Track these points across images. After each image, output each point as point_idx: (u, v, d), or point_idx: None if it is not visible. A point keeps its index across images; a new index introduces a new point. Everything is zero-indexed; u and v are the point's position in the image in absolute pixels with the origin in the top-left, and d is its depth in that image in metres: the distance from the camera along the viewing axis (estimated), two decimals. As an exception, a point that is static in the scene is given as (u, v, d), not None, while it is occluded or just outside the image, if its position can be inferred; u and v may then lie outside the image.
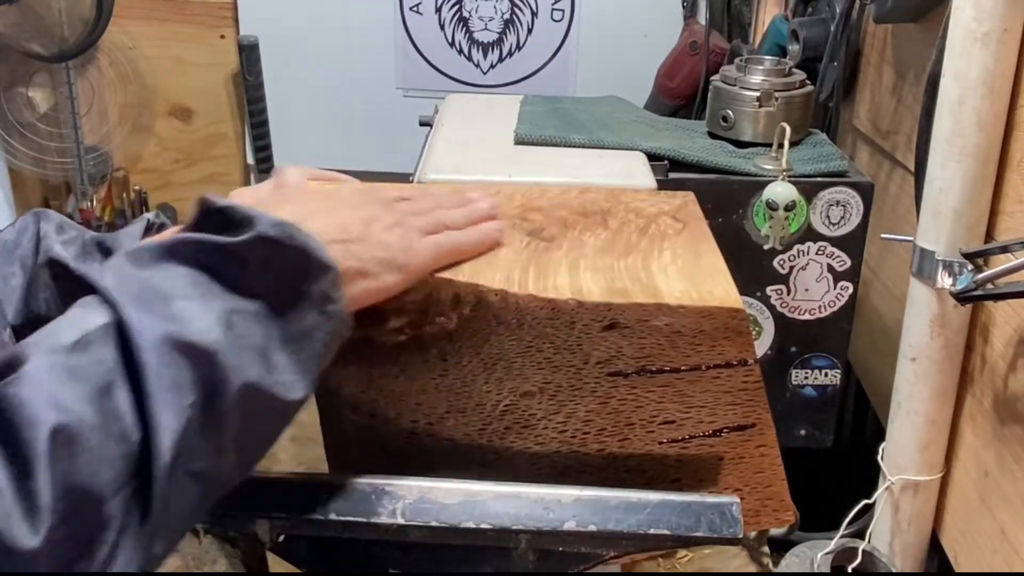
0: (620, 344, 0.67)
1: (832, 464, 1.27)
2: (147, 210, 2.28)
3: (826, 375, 1.11)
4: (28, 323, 0.77)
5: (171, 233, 0.74)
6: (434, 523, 0.66)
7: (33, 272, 0.77)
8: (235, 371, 0.51)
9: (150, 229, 0.80)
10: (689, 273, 0.69)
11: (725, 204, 1.04)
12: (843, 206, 1.05)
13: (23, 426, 0.45)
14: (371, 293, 0.63)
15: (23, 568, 0.43)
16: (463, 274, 0.68)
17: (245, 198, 0.65)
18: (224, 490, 0.54)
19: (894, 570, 0.96)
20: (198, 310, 0.51)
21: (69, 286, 0.76)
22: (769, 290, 1.07)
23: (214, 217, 0.56)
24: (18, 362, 0.48)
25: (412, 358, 0.71)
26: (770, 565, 1.09)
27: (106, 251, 0.77)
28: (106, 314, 0.50)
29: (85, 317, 0.50)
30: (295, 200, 0.66)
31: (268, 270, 0.54)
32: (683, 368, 0.68)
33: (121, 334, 0.49)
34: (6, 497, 0.43)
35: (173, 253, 0.54)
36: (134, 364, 0.48)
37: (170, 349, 0.49)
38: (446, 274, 0.68)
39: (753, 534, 1.07)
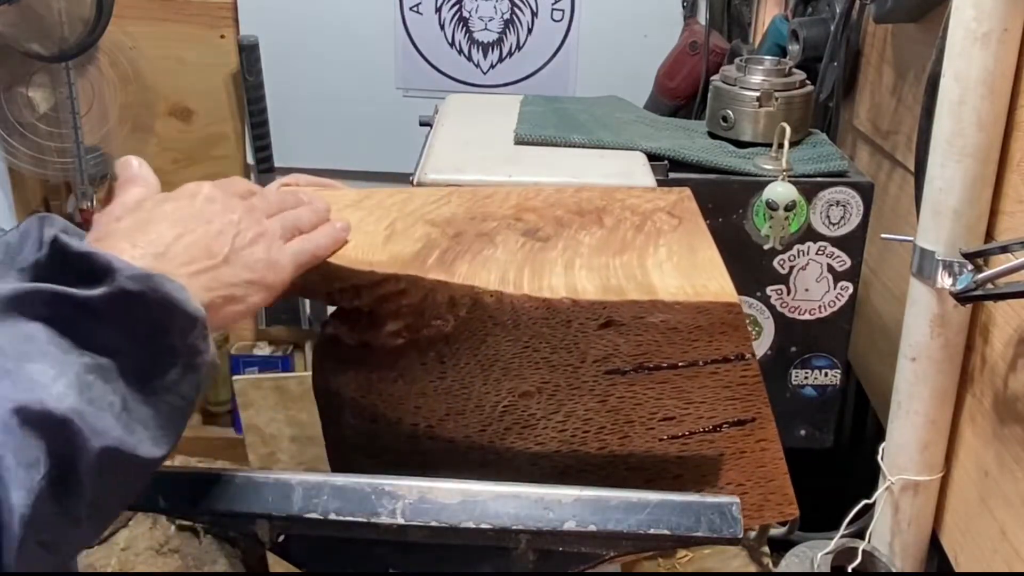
0: (617, 342, 0.67)
1: (832, 464, 1.27)
2: (147, 210, 2.27)
3: (826, 375, 1.11)
4: None
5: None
6: (434, 523, 0.66)
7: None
8: (92, 436, 0.48)
9: None
10: (684, 269, 0.69)
11: (725, 204, 1.04)
12: (843, 206, 1.05)
13: None
14: (239, 316, 0.62)
15: None
16: (458, 276, 0.68)
17: (104, 219, 0.62)
18: (77, 553, 0.52)
19: (894, 570, 0.96)
20: (52, 374, 0.48)
21: None
22: (769, 290, 1.07)
23: (72, 261, 0.52)
24: None
25: (410, 361, 0.71)
26: (770, 565, 1.09)
27: None
28: None
29: None
30: (160, 221, 0.61)
31: (127, 325, 0.52)
32: (681, 364, 0.68)
33: None
34: None
35: (24, 306, 0.50)
36: None
37: (21, 423, 0.46)
38: (441, 276, 0.68)
39: (753, 534, 1.07)
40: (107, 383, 0.50)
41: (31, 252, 0.76)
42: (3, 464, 0.45)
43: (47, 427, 0.47)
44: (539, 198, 0.81)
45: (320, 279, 0.72)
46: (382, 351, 0.71)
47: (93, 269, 0.52)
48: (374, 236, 0.73)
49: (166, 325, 0.53)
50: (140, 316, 0.52)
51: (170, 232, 0.60)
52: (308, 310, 2.23)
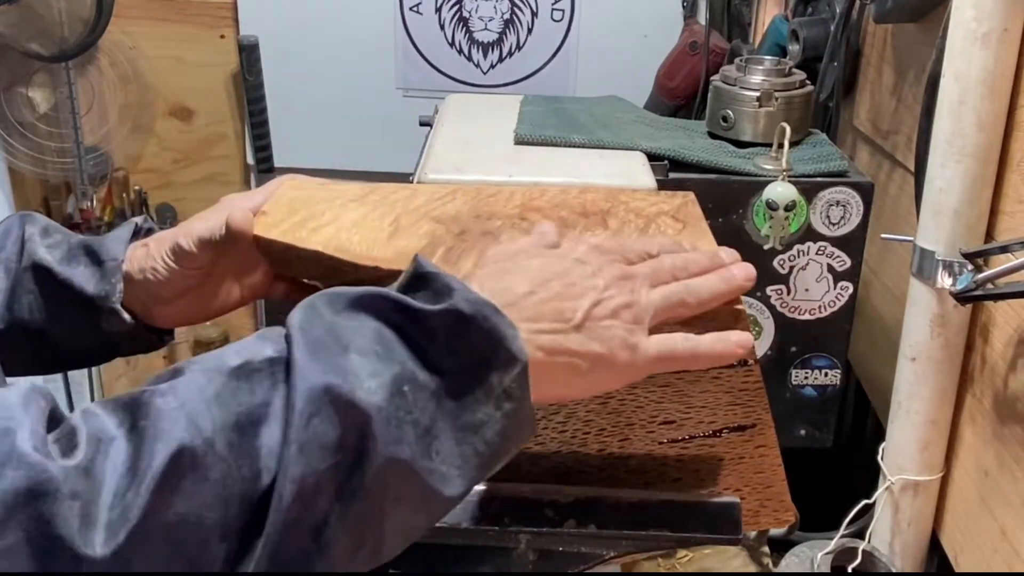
0: None
1: (832, 464, 1.27)
2: (147, 210, 2.28)
3: (826, 375, 1.11)
4: (10, 328, 0.76)
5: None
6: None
7: (16, 276, 0.76)
8: (388, 443, 0.47)
9: (137, 234, 0.79)
10: None
11: (725, 204, 1.04)
12: (843, 206, 1.05)
13: (153, 437, 0.43)
14: (579, 389, 0.59)
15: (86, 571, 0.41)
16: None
17: (485, 268, 0.60)
18: (341, 571, 0.49)
19: (894, 570, 0.96)
20: (370, 368, 0.48)
21: (53, 290, 0.76)
22: (769, 290, 1.07)
23: (419, 281, 0.53)
24: (180, 372, 0.47)
25: None
26: (770, 565, 1.09)
27: (92, 254, 0.76)
28: (279, 349, 0.48)
29: (258, 346, 0.49)
30: (515, 273, 0.58)
31: (454, 347, 0.51)
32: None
33: (287, 372, 0.47)
34: (103, 499, 0.42)
35: (368, 305, 0.51)
36: (288, 406, 0.46)
37: (327, 401, 0.46)
38: None
39: (753, 534, 1.07)
40: (419, 399, 0.49)
41: (12, 249, 0.76)
42: (298, 434, 0.45)
43: (348, 416, 0.46)
44: (543, 198, 0.81)
45: (323, 272, 0.72)
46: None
47: (436, 289, 0.52)
48: (378, 231, 0.73)
49: (488, 358, 0.51)
50: (467, 341, 0.51)
51: (523, 287, 0.57)
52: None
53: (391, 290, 0.52)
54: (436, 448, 0.50)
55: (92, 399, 2.36)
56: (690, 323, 0.65)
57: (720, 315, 0.65)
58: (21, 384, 0.46)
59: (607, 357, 0.57)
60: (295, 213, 0.74)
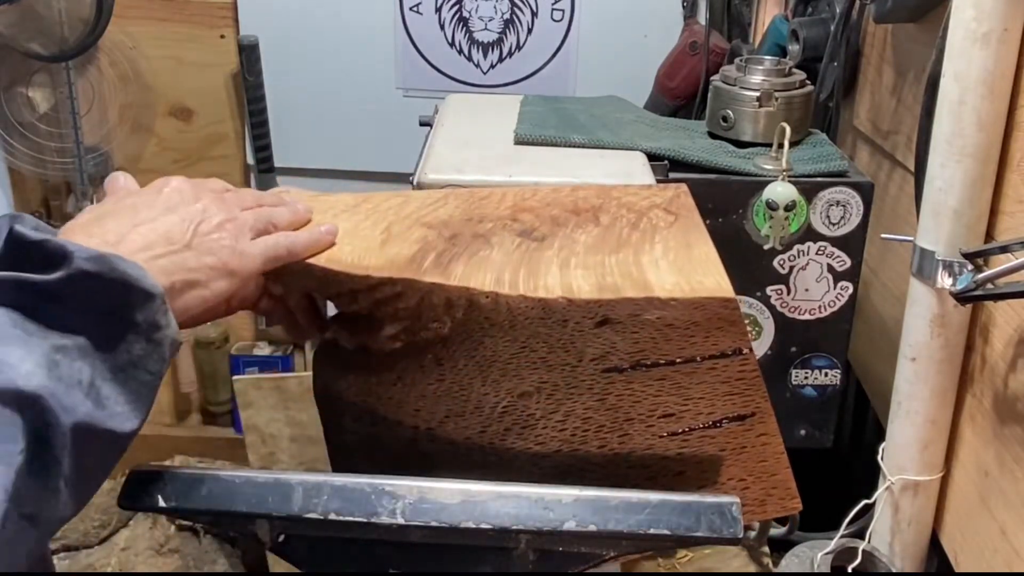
0: (613, 340, 0.67)
1: (832, 464, 1.27)
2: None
3: (826, 375, 1.11)
4: None
5: None
6: (434, 523, 0.66)
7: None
8: (64, 412, 0.50)
9: None
10: (680, 265, 0.69)
11: (725, 204, 1.04)
12: (843, 206, 1.05)
13: None
14: (204, 301, 0.62)
15: None
16: (454, 278, 0.68)
17: (80, 219, 0.63)
18: (60, 526, 0.53)
19: (894, 570, 0.96)
20: (20, 354, 0.50)
21: None
22: (769, 290, 1.07)
23: (29, 250, 0.54)
24: None
25: (408, 364, 0.71)
26: (770, 565, 1.09)
27: None
28: None
29: None
30: (119, 214, 0.63)
31: (88, 305, 0.53)
32: (678, 360, 0.68)
33: None
34: None
35: None
36: None
37: None
38: (437, 279, 0.68)
39: (753, 534, 1.07)
40: (73, 361, 0.52)
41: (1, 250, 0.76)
42: None
43: (19, 404, 0.49)
44: (535, 198, 0.81)
45: (317, 284, 0.72)
46: (381, 354, 0.71)
47: (50, 256, 0.53)
48: (370, 240, 0.73)
49: (125, 302, 0.54)
50: (99, 295, 0.53)
51: (127, 222, 0.61)
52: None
53: (6, 271, 0.53)
54: (105, 395, 0.53)
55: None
56: (679, 329, 0.65)
57: (708, 305, 0.65)
58: None
59: (221, 266, 0.63)
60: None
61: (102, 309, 0.54)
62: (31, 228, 0.55)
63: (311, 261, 0.70)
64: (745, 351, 0.68)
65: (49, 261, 0.53)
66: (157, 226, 0.62)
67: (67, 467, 0.51)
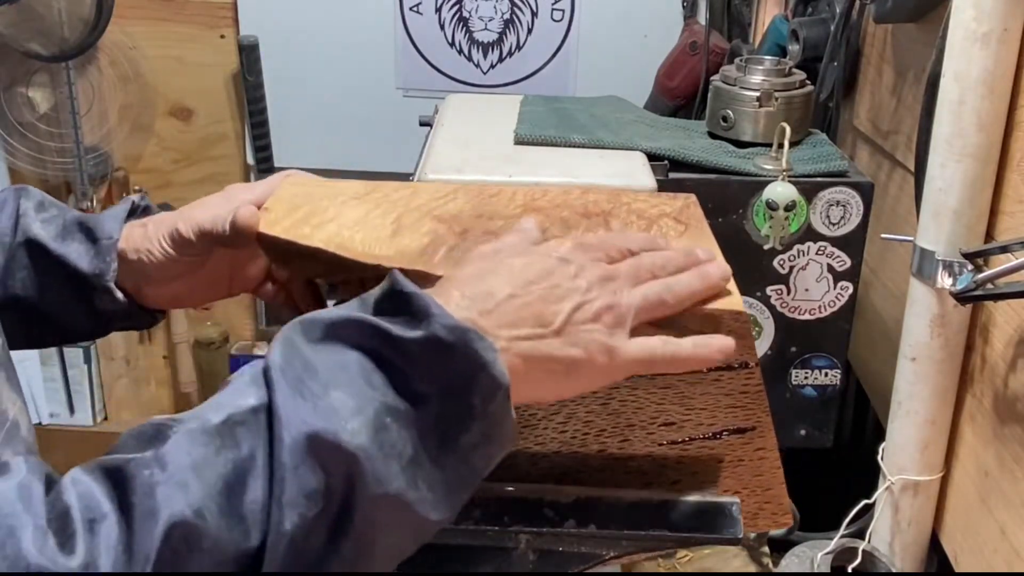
0: None
1: (832, 464, 1.27)
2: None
3: (826, 375, 1.11)
4: (4, 303, 0.76)
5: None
6: (434, 523, 0.66)
7: (11, 252, 0.76)
8: (376, 481, 0.48)
9: (134, 212, 0.79)
10: None
11: (725, 204, 1.04)
12: (843, 206, 1.05)
13: (145, 515, 0.44)
14: (554, 393, 0.59)
15: None
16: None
17: (466, 270, 0.60)
18: None
19: (894, 570, 0.96)
20: (353, 407, 0.48)
21: (47, 266, 0.75)
22: (769, 290, 1.07)
23: (395, 299, 0.52)
24: (163, 437, 0.47)
25: None
26: (770, 565, 1.09)
27: (87, 231, 0.76)
28: (259, 396, 0.48)
29: (238, 395, 0.49)
30: (501, 275, 0.58)
31: (435, 376, 0.51)
32: (684, 370, 0.68)
33: (269, 421, 0.47)
34: None
35: (344, 334, 0.51)
36: (273, 458, 0.46)
37: (310, 450, 0.46)
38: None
39: (753, 534, 1.07)
40: (402, 430, 0.49)
41: (7, 224, 0.76)
42: (285, 487, 0.45)
43: (334, 461, 0.47)
44: (545, 198, 0.81)
45: (324, 270, 0.72)
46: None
47: (414, 312, 0.51)
48: (380, 230, 0.73)
49: (470, 384, 0.51)
50: (448, 369, 0.51)
51: (504, 290, 0.56)
52: (308, 310, 2.23)
53: (366, 313, 0.52)
54: (421, 476, 0.50)
55: (92, 401, 2.36)
56: (683, 330, 0.65)
57: (721, 319, 0.65)
58: (15, 470, 0.46)
59: (586, 362, 0.57)
60: (297, 210, 0.74)
61: (446, 385, 0.51)
62: (404, 279, 0.52)
63: (322, 246, 0.70)
64: (751, 364, 0.68)
65: (412, 317, 0.51)
66: (532, 303, 0.56)
67: (364, 537, 0.48)
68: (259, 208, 0.74)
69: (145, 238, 0.76)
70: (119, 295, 0.76)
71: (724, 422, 0.70)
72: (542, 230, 0.68)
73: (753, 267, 1.06)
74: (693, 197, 0.83)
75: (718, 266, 0.65)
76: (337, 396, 0.48)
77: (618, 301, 0.59)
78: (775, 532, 1.09)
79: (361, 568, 0.50)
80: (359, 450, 0.47)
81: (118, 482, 0.46)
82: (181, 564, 0.44)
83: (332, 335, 0.51)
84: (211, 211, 0.74)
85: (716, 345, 0.62)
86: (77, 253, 0.75)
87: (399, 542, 0.51)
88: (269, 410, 0.47)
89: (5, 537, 0.43)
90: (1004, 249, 0.80)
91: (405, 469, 0.49)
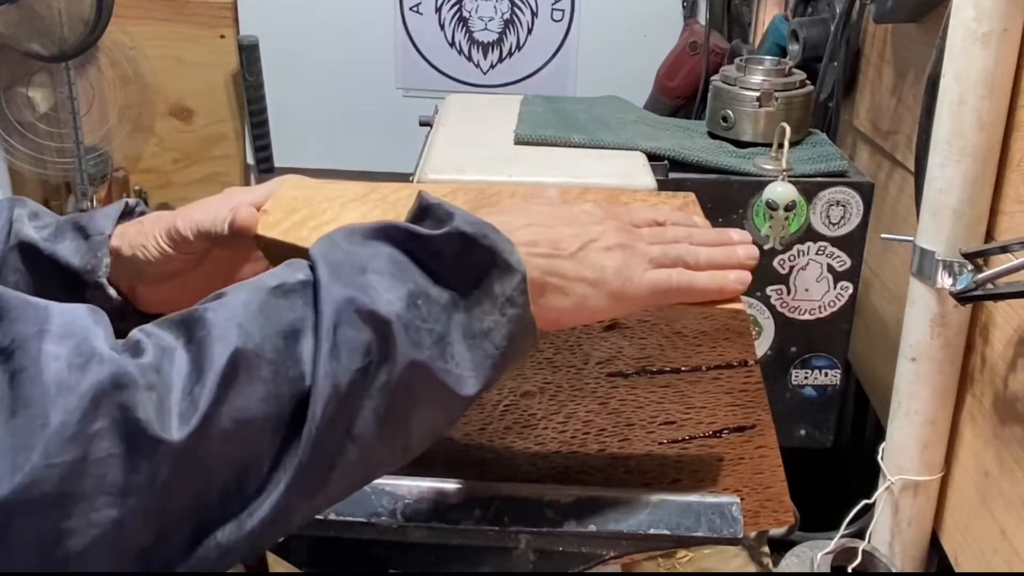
0: (621, 344, 0.67)
1: (832, 464, 1.27)
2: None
3: (826, 375, 1.11)
4: None
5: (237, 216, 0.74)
6: (434, 523, 0.66)
7: (3, 256, 0.76)
8: (408, 347, 0.52)
9: (128, 214, 0.79)
10: None
11: (725, 204, 1.04)
12: (843, 206, 1.05)
13: (211, 343, 0.48)
14: (570, 312, 0.61)
15: (161, 459, 0.45)
16: None
17: (482, 211, 0.64)
18: (379, 471, 0.55)
19: (894, 570, 0.96)
20: (387, 284, 0.53)
21: (39, 266, 0.75)
22: (769, 290, 1.07)
23: (424, 212, 0.58)
24: (223, 293, 0.52)
25: None
26: (770, 565, 1.09)
27: (79, 229, 0.76)
28: (307, 273, 0.53)
29: (289, 271, 0.54)
30: (519, 212, 0.64)
31: (459, 265, 0.56)
32: (684, 369, 0.68)
33: (315, 292, 0.52)
34: (174, 394, 0.46)
35: (383, 234, 0.56)
36: (318, 318, 0.51)
37: (351, 312, 0.51)
38: None
39: (753, 534, 1.07)
40: (431, 310, 0.54)
41: (0, 231, 0.76)
42: (330, 340, 0.50)
43: (370, 324, 0.51)
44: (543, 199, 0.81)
45: None
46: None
47: (440, 216, 0.57)
48: None
49: (489, 270, 0.56)
50: (470, 259, 0.56)
51: (523, 220, 0.62)
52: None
53: (401, 222, 0.57)
54: (451, 352, 0.54)
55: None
56: (681, 328, 0.65)
57: (718, 316, 0.65)
58: (78, 305, 0.50)
59: (598, 281, 0.61)
60: (296, 212, 0.74)
61: (470, 273, 0.56)
62: (431, 195, 0.59)
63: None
64: (751, 363, 0.68)
65: (439, 220, 0.57)
66: (550, 232, 0.61)
67: (400, 402, 0.53)
68: (258, 210, 0.74)
69: (140, 234, 0.76)
70: (111, 292, 0.75)
71: (724, 420, 0.70)
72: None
73: (757, 249, 1.06)
74: (692, 195, 0.83)
75: (747, 249, 0.67)
76: (373, 277, 0.53)
77: (633, 243, 0.63)
78: (775, 532, 1.09)
79: (399, 438, 0.54)
80: (393, 316, 0.52)
81: (186, 325, 0.50)
82: (241, 387, 0.48)
83: (371, 236, 0.56)
84: (210, 211, 0.74)
85: (733, 276, 0.65)
86: (68, 250, 0.75)
87: (433, 415, 0.55)
88: (315, 284, 0.52)
89: (80, 341, 0.46)
90: (1004, 249, 0.80)
91: (436, 343, 0.54)
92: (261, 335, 0.50)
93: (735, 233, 0.69)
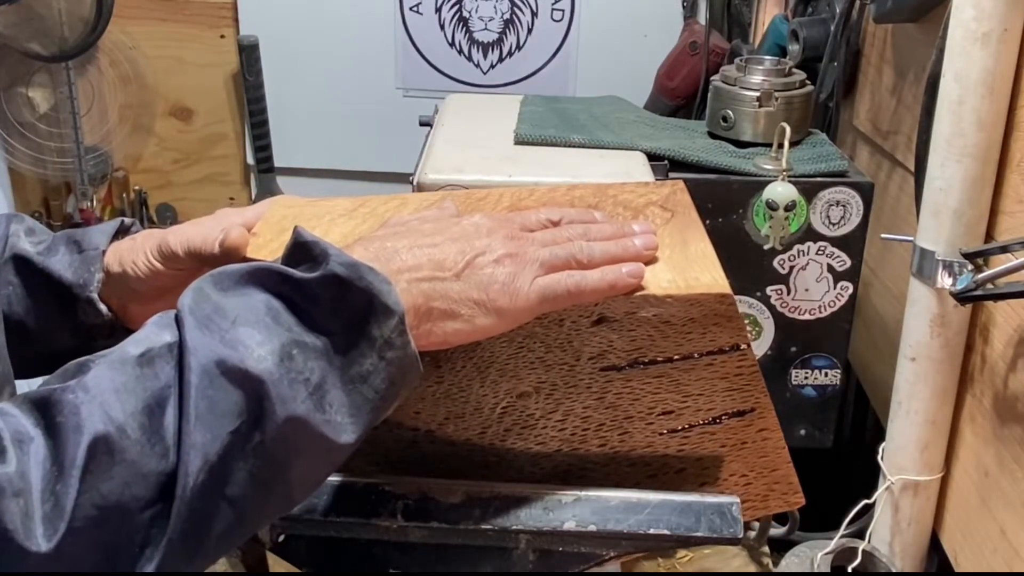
0: (611, 338, 0.67)
1: (832, 464, 1.27)
2: (147, 210, 2.28)
3: (826, 375, 1.11)
4: None
5: (170, 241, 0.74)
6: (434, 523, 0.66)
7: None
8: (283, 402, 0.51)
9: (124, 232, 0.79)
10: (676, 262, 0.69)
11: (725, 204, 1.04)
12: (843, 206, 1.05)
13: (70, 431, 0.47)
14: (459, 333, 0.61)
15: (31, 568, 0.44)
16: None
17: (379, 231, 0.64)
18: (261, 524, 0.54)
19: (894, 570, 0.96)
20: (259, 339, 0.52)
21: (32, 279, 0.75)
22: (769, 290, 1.07)
23: (299, 250, 0.57)
24: (86, 369, 0.50)
25: None
26: (770, 565, 1.09)
27: (74, 243, 0.76)
28: (173, 333, 0.52)
29: (155, 333, 0.52)
30: (407, 233, 0.63)
31: (335, 309, 0.54)
32: (676, 357, 0.68)
33: (181, 352, 0.50)
34: (34, 496, 0.45)
35: (255, 279, 0.55)
36: (184, 383, 0.49)
37: (218, 374, 0.49)
38: None
39: (753, 534, 1.07)
40: (307, 360, 0.53)
41: None
42: (195, 406, 0.49)
43: (241, 384, 0.50)
44: (532, 198, 0.81)
45: None
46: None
47: (315, 256, 0.55)
48: None
49: (366, 313, 0.55)
50: (347, 302, 0.54)
51: (408, 242, 0.61)
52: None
53: (275, 263, 0.56)
54: (328, 401, 0.53)
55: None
56: (675, 326, 0.65)
57: (704, 302, 0.65)
58: None
59: (484, 302, 0.60)
60: (284, 232, 0.74)
61: (346, 316, 0.54)
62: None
63: None
64: (743, 347, 0.68)
65: (314, 259, 0.55)
66: (434, 252, 0.61)
67: (278, 460, 0.52)
68: (249, 231, 0.74)
69: (132, 250, 0.76)
70: (102, 308, 0.76)
71: (723, 406, 0.70)
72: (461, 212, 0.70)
73: (753, 267, 1.06)
74: (681, 183, 0.83)
75: (644, 239, 0.67)
76: (244, 331, 0.51)
77: (522, 251, 0.62)
78: (775, 532, 1.09)
79: (278, 492, 0.53)
80: (265, 373, 0.50)
81: (44, 408, 0.48)
82: (105, 473, 0.46)
83: (242, 282, 0.55)
84: (202, 230, 0.75)
85: (626, 270, 0.64)
86: (61, 264, 0.76)
87: (313, 465, 0.55)
88: (180, 345, 0.51)
89: None
90: (1004, 249, 0.80)
91: (312, 394, 0.52)
92: (124, 414, 0.48)
93: (637, 224, 0.69)
